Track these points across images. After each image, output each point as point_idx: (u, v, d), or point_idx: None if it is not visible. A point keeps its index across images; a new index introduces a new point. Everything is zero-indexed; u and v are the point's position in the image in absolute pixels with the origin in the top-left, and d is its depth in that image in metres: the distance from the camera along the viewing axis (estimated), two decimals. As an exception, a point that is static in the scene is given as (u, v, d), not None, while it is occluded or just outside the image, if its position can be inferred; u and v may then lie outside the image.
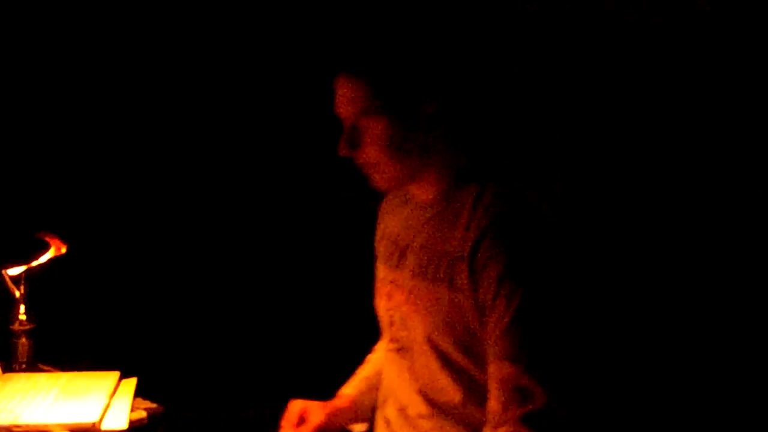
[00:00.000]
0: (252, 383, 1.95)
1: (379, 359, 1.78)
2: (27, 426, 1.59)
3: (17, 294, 1.92)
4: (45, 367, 2.05)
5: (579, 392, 1.42)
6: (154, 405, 1.75)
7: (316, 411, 1.72)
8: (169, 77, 2.72)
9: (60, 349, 2.10)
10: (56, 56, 2.53)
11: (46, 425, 1.60)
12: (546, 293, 1.40)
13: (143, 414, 1.72)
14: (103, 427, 1.64)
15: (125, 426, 1.65)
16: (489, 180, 1.49)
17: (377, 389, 1.72)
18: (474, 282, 1.42)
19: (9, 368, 1.99)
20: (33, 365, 2.03)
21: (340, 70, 1.47)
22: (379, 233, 1.71)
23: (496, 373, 1.39)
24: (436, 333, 1.49)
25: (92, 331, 2.47)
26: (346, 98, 1.48)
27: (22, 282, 1.97)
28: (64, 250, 1.87)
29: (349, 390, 1.79)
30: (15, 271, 1.88)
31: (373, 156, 1.48)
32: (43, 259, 1.87)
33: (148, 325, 2.65)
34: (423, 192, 1.56)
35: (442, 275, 1.47)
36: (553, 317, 1.39)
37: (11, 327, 2.00)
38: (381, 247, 1.67)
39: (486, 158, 1.59)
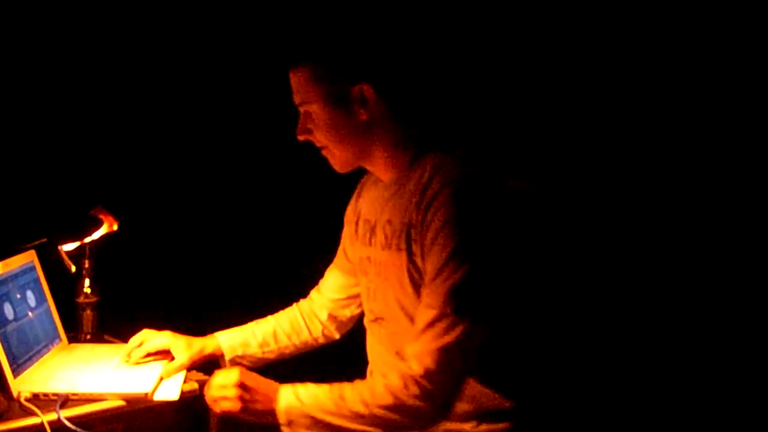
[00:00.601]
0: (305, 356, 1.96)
1: (273, 318, 1.95)
2: (83, 394, 1.65)
3: (72, 269, 1.99)
4: (109, 339, 2.12)
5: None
6: (206, 377, 1.78)
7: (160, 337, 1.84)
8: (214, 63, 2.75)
9: (124, 322, 2.17)
10: (110, 41, 2.58)
11: (101, 394, 1.66)
12: (478, 254, 1.48)
13: (195, 385, 1.77)
14: (156, 397, 1.69)
15: (177, 397, 1.70)
16: (444, 153, 1.58)
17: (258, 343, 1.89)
18: (421, 245, 1.52)
19: (75, 339, 2.08)
20: (98, 337, 2.11)
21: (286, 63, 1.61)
22: (352, 213, 1.82)
23: (420, 316, 1.50)
24: (404, 299, 1.59)
25: (154, 304, 2.53)
26: (293, 89, 1.62)
27: (86, 257, 2.04)
28: (116, 227, 1.92)
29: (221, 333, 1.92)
30: (70, 246, 1.94)
31: (322, 139, 1.61)
32: (97, 235, 1.92)
33: (205, 298, 2.71)
34: (381, 171, 1.66)
35: (403, 245, 1.57)
36: (480, 277, 1.48)
37: (77, 300, 2.08)
38: (358, 228, 1.76)
39: (443, 134, 1.66)
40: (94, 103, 2.51)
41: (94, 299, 2.08)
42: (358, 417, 1.49)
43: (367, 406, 1.49)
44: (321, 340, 1.96)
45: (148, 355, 1.85)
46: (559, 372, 1.77)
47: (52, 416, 1.56)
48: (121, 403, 1.66)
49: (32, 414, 1.57)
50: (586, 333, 2.49)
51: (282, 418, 1.52)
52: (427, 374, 1.46)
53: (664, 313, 2.53)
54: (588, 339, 2.49)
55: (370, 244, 1.69)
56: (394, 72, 1.61)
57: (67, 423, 1.55)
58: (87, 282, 2.07)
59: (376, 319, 1.70)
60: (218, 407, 1.57)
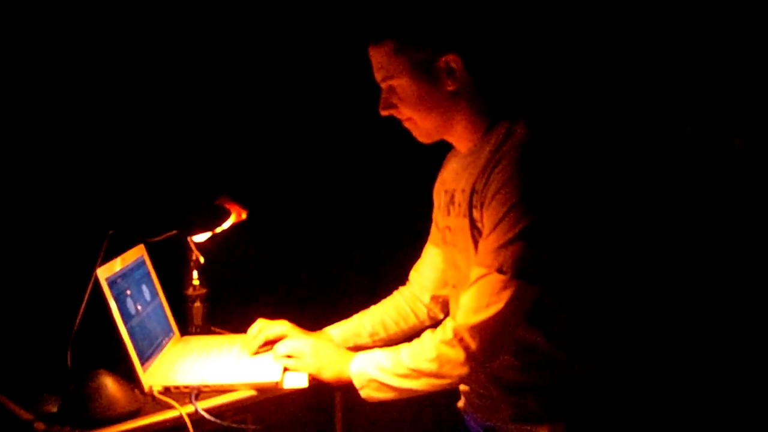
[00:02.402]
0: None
1: (378, 307, 1.95)
2: (215, 386, 1.64)
3: (201, 260, 1.98)
4: (217, 330, 2.12)
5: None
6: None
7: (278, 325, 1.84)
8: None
9: (231, 313, 2.16)
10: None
11: (232, 385, 1.65)
12: (538, 212, 1.47)
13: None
14: (286, 385, 1.67)
15: (306, 384, 1.68)
16: (517, 119, 1.58)
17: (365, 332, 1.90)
18: (481, 206, 1.53)
19: (185, 331, 2.07)
20: (206, 328, 2.10)
21: (367, 40, 1.61)
22: (438, 187, 1.81)
23: (473, 271, 1.52)
24: (470, 265, 1.57)
25: (261, 295, 2.52)
26: (374, 65, 1.62)
27: (194, 249, 2.03)
28: (244, 216, 1.90)
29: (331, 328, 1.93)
30: (200, 237, 1.92)
31: (407, 113, 1.61)
32: (226, 225, 1.90)
33: (317, 289, 2.69)
34: (461, 141, 1.67)
35: (467, 212, 1.58)
36: (538, 236, 1.47)
37: (185, 292, 2.07)
38: (440, 201, 1.77)
39: (517, 101, 1.67)
40: (217, 94, 2.51)
41: (203, 291, 2.07)
42: (411, 373, 1.55)
43: (416, 361, 1.55)
44: (427, 323, 1.94)
45: (266, 343, 1.83)
46: (622, 351, 1.71)
47: (189, 408, 1.54)
48: (252, 392, 1.64)
49: (167, 407, 1.56)
50: (651, 310, 2.42)
51: (356, 383, 1.61)
52: (471, 330, 1.49)
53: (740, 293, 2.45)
54: (654, 316, 2.42)
55: (449, 213, 1.70)
56: (479, 42, 1.60)
57: (205, 414, 1.54)
58: (195, 274, 2.06)
59: (454, 286, 1.71)
60: (292, 367, 1.69)
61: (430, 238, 1.93)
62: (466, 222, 1.59)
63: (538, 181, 1.48)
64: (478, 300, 1.50)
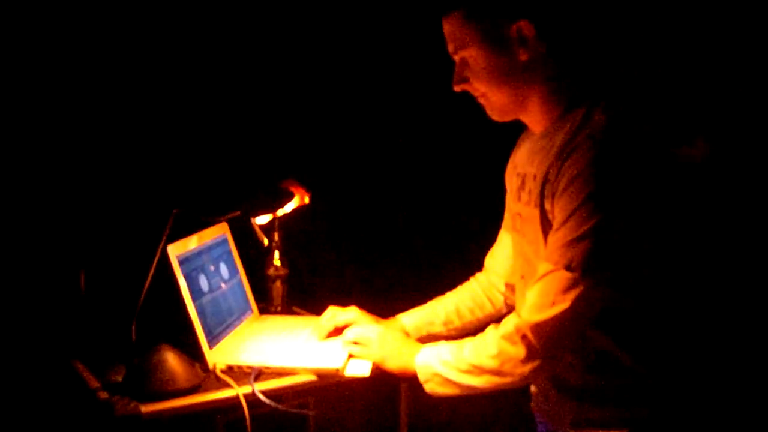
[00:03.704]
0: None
1: (453, 295, 1.90)
2: (276, 368, 1.64)
3: (265, 242, 1.99)
4: (298, 311, 2.13)
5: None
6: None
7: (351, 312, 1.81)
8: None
9: (314, 294, 2.17)
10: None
11: (293, 368, 1.64)
12: (613, 207, 1.38)
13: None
14: (347, 373, 1.65)
15: (368, 373, 1.65)
16: (597, 104, 1.47)
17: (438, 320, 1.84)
18: (552, 197, 1.44)
19: (266, 311, 2.09)
20: (287, 308, 2.11)
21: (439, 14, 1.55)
22: (510, 171, 1.74)
23: (541, 266, 1.44)
24: (539, 257, 1.49)
25: (342, 278, 2.52)
26: (447, 37, 1.55)
27: (276, 229, 2.04)
28: (307, 200, 1.89)
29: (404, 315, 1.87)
30: (262, 219, 1.94)
31: (480, 87, 1.54)
32: (288, 208, 1.90)
33: (393, 272, 2.66)
34: (534, 121, 1.58)
35: (538, 201, 1.50)
36: (611, 233, 1.38)
37: (267, 272, 2.09)
38: (511, 185, 1.70)
39: (600, 82, 1.56)
40: (289, 77, 2.52)
41: (283, 272, 2.08)
42: (473, 369, 1.50)
43: (477, 357, 1.49)
44: (504, 310, 1.87)
45: (336, 330, 1.82)
46: (692, 361, 1.56)
47: (247, 389, 1.55)
48: (313, 378, 1.63)
49: (227, 386, 1.57)
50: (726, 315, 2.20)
51: (420, 377, 1.57)
52: (533, 328, 1.43)
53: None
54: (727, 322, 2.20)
55: (519, 199, 1.61)
56: (552, 8, 1.50)
57: (261, 396, 1.54)
58: (277, 254, 2.07)
59: (522, 277, 1.62)
60: (357, 354, 1.67)
61: (504, 223, 1.85)
62: (536, 212, 1.50)
63: (612, 176, 1.38)
64: (543, 297, 1.42)
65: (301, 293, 2.16)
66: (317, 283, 2.36)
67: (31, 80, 2.10)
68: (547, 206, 1.47)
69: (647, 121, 1.49)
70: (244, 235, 2.03)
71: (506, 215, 1.82)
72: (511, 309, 1.86)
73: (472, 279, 1.93)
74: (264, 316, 2.05)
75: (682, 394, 1.50)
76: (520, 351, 1.44)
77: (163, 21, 2.28)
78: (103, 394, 1.53)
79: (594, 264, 1.38)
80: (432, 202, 2.74)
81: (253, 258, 2.09)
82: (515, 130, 1.73)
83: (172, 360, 1.55)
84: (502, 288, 1.86)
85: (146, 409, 1.46)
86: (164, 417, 1.48)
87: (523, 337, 1.44)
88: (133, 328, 1.61)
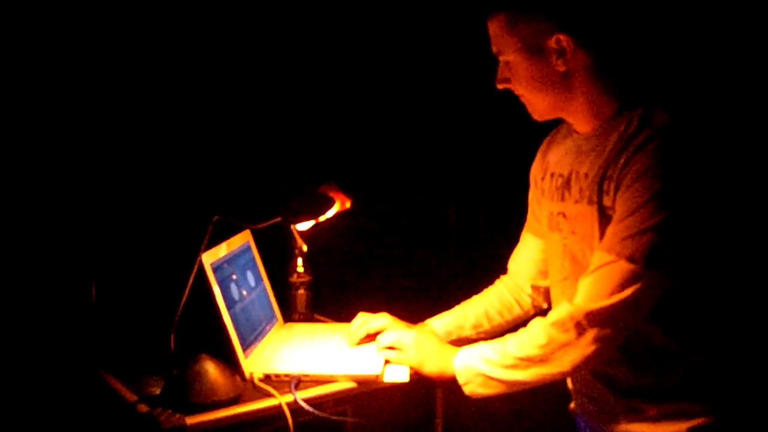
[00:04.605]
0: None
1: (481, 298, 1.89)
2: (315, 376, 1.62)
3: (304, 248, 1.97)
4: (320, 318, 2.10)
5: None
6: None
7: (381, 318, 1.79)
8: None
9: (336, 302, 2.15)
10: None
11: (333, 376, 1.62)
12: (679, 205, 1.40)
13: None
14: (386, 379, 1.63)
15: (407, 379, 1.64)
16: (654, 106, 1.49)
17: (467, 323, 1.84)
18: (614, 193, 1.45)
19: (289, 318, 2.07)
20: (309, 316, 2.09)
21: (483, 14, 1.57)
22: (540, 171, 1.75)
23: (599, 256, 1.44)
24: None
25: (365, 285, 2.50)
26: (491, 38, 1.57)
27: (299, 236, 2.02)
28: (348, 204, 1.87)
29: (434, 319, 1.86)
30: (304, 225, 1.91)
31: (519, 89, 1.57)
32: (330, 213, 1.88)
33: (420, 280, 2.65)
34: (580, 121, 1.59)
35: (595, 197, 1.50)
36: (676, 229, 1.40)
37: (290, 279, 2.07)
38: (545, 185, 1.69)
39: (648, 86, 1.58)
40: (326, 84, 2.51)
41: (307, 278, 2.06)
42: (519, 363, 1.49)
43: (524, 349, 1.49)
44: (531, 312, 1.88)
45: (367, 337, 1.80)
46: (746, 356, 1.57)
47: (289, 398, 1.53)
48: (352, 384, 1.61)
49: (267, 395, 1.54)
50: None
51: (460, 379, 1.57)
52: (588, 315, 1.42)
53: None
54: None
55: (563, 199, 1.61)
56: (593, 22, 1.52)
57: (304, 405, 1.52)
58: (300, 261, 2.05)
59: (566, 278, 1.62)
60: (394, 360, 1.66)
61: (527, 225, 1.86)
62: (591, 209, 1.51)
63: (681, 174, 1.41)
64: (601, 286, 1.42)
65: (324, 301, 2.13)
66: (336, 291, 2.33)
67: (47, 84, 2.07)
68: (607, 202, 1.48)
69: (704, 122, 1.51)
70: (265, 243, 2.01)
71: (530, 219, 1.83)
72: (539, 310, 1.87)
73: (497, 282, 1.93)
74: (289, 324, 2.03)
75: (743, 386, 1.51)
76: (571, 337, 1.44)
77: (204, 30, 2.28)
78: (143, 407, 1.50)
79: (657, 256, 1.40)
80: (455, 204, 2.73)
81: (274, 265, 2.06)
82: (540, 133, 1.73)
83: (212, 370, 1.52)
84: (529, 290, 1.86)
85: (191, 421, 1.43)
86: (209, 429, 1.45)
87: (577, 324, 1.44)
88: (172, 338, 1.58)
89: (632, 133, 1.47)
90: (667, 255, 1.40)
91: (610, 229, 1.45)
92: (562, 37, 1.48)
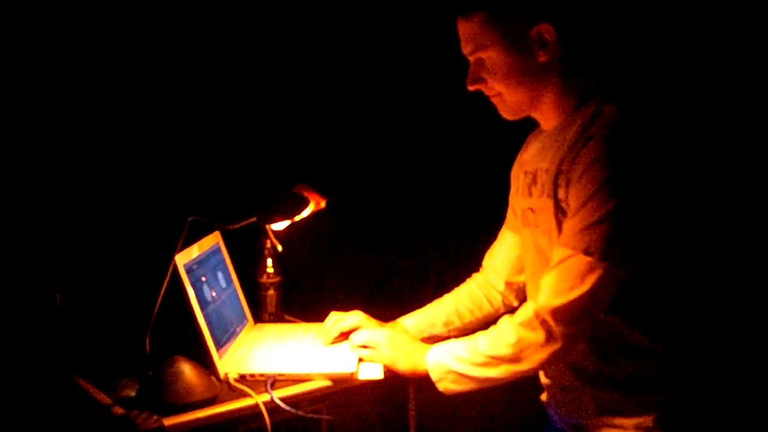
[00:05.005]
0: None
1: (452, 296, 1.92)
2: (290, 375, 1.63)
3: (279, 248, 1.97)
4: (289, 318, 2.11)
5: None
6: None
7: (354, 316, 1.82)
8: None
9: (304, 301, 2.16)
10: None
11: (308, 374, 1.63)
12: (626, 193, 1.42)
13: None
14: (361, 377, 1.65)
15: (381, 376, 1.65)
16: (609, 99, 1.52)
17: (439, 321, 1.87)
18: (566, 185, 1.49)
19: (259, 319, 2.07)
20: (279, 316, 2.09)
21: (455, 14, 1.59)
22: (517, 169, 1.77)
23: (557, 252, 1.48)
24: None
25: (334, 284, 2.51)
26: (463, 38, 1.59)
27: (267, 236, 2.02)
28: (323, 204, 1.88)
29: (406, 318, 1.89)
30: (279, 226, 1.91)
31: (497, 87, 1.58)
32: (305, 213, 1.88)
33: (389, 278, 2.66)
34: (547, 118, 1.63)
35: (552, 192, 1.53)
36: (626, 218, 1.42)
37: (259, 280, 2.07)
38: (519, 183, 1.72)
39: (609, 80, 1.62)
40: (296, 84, 2.51)
41: (277, 279, 2.07)
42: (490, 361, 1.52)
43: (495, 347, 1.52)
44: (502, 310, 1.90)
45: (341, 335, 1.81)
46: (709, 343, 1.62)
47: (265, 397, 1.54)
48: (327, 383, 1.63)
49: (243, 395, 1.55)
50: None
51: (432, 375, 1.59)
52: (553, 312, 1.46)
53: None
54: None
55: (530, 194, 1.65)
56: (573, 12, 1.56)
57: (280, 404, 1.53)
58: (269, 262, 2.05)
59: (534, 272, 1.65)
60: (367, 358, 1.68)
61: (506, 222, 1.89)
62: (550, 202, 1.54)
63: (627, 163, 1.43)
64: (561, 282, 1.46)
65: (293, 301, 2.13)
66: (309, 291, 2.34)
67: (27, 81, 2.04)
68: (561, 195, 1.51)
69: (657, 114, 1.55)
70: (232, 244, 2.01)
71: (510, 215, 1.85)
72: (509, 308, 1.90)
73: (469, 280, 1.95)
74: (259, 325, 2.03)
75: (708, 376, 1.56)
76: (539, 336, 1.47)
77: (176, 26, 2.25)
78: (119, 410, 1.49)
79: (611, 247, 1.42)
80: (425, 203, 2.75)
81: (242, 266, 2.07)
82: (520, 133, 1.76)
83: (188, 371, 1.52)
84: (501, 287, 1.89)
85: (169, 422, 1.43)
86: (186, 429, 1.45)
87: (543, 321, 1.47)
88: (148, 339, 1.57)
89: (584, 126, 1.50)
90: (621, 244, 1.43)
91: (566, 224, 1.49)
92: (543, 27, 1.51)
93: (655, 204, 1.46)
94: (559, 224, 1.52)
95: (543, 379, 1.70)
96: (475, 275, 1.95)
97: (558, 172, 1.52)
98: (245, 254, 2.08)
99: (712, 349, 1.60)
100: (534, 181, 1.64)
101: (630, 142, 1.45)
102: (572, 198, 1.48)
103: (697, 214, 1.67)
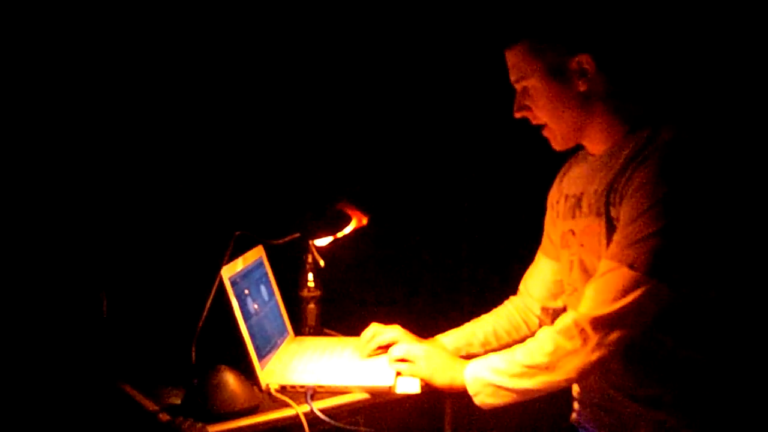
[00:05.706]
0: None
1: (490, 317, 1.95)
2: (329, 387, 1.67)
3: (321, 263, 2.02)
4: (329, 332, 2.15)
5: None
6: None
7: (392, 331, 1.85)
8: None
9: (342, 316, 2.20)
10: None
11: (347, 387, 1.67)
12: (682, 213, 1.44)
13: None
14: (398, 390, 1.68)
15: (418, 390, 1.69)
16: (663, 123, 1.54)
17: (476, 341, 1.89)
18: (620, 201, 1.51)
19: (298, 332, 2.11)
20: (318, 330, 2.14)
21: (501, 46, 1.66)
22: (556, 195, 1.81)
23: (603, 264, 1.50)
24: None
25: (373, 299, 2.55)
26: (509, 67, 1.64)
27: (309, 251, 2.07)
28: (365, 222, 1.92)
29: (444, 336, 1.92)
30: (323, 242, 1.96)
31: (541, 116, 1.63)
32: (347, 230, 1.93)
33: (428, 295, 2.69)
34: (596, 144, 1.65)
35: (603, 209, 1.55)
36: (678, 237, 1.44)
37: (300, 293, 2.11)
38: (560, 207, 1.75)
39: (660, 105, 1.64)
40: (344, 101, 2.56)
41: (317, 293, 2.11)
42: (526, 371, 1.54)
43: (532, 357, 1.53)
44: None
45: (378, 348, 1.85)
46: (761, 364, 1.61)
47: (305, 408, 1.58)
48: (366, 396, 1.66)
49: (284, 405, 1.59)
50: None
51: (470, 389, 1.61)
52: (593, 321, 1.47)
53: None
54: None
55: (574, 216, 1.67)
56: (613, 42, 1.60)
57: (320, 414, 1.57)
58: (310, 276, 2.10)
59: (576, 290, 1.66)
60: (405, 372, 1.71)
61: (542, 248, 1.91)
62: (599, 221, 1.56)
63: (683, 183, 1.45)
64: (604, 293, 1.47)
65: (333, 315, 2.18)
66: (349, 305, 2.38)
67: (71, 92, 2.10)
68: (613, 213, 1.53)
69: (713, 137, 1.56)
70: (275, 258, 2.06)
71: (545, 241, 1.88)
72: None
73: (507, 302, 1.98)
74: (300, 338, 2.08)
75: (754, 396, 1.55)
76: (576, 344, 1.49)
77: (226, 44, 2.31)
78: (165, 417, 1.54)
79: (658, 264, 1.43)
80: (470, 224, 2.77)
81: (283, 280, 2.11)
82: (559, 157, 1.79)
83: (232, 381, 1.57)
84: (538, 311, 1.90)
85: (213, 429, 1.48)
86: (229, 437, 1.50)
87: (582, 330, 1.48)
88: (193, 349, 1.63)
89: (640, 148, 1.53)
90: (669, 263, 1.44)
91: (615, 238, 1.51)
92: (584, 58, 1.55)
93: (708, 228, 1.47)
94: (609, 242, 1.54)
95: (578, 397, 1.71)
96: (513, 298, 1.98)
97: (611, 191, 1.54)
98: (286, 268, 2.13)
99: (761, 371, 1.59)
100: (578, 203, 1.66)
101: (687, 164, 1.47)
102: (624, 213, 1.50)
103: (755, 236, 1.67)
